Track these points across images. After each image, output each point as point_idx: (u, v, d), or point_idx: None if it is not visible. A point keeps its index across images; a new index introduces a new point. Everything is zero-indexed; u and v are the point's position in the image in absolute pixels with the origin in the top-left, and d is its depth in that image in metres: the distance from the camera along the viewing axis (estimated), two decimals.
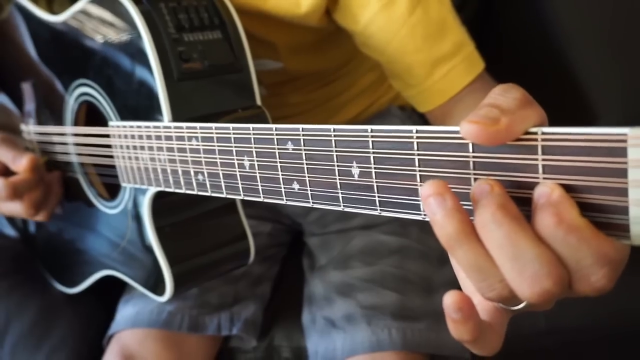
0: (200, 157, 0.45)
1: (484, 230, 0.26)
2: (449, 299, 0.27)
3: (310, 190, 0.37)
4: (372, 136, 0.33)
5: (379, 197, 0.33)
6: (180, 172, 0.48)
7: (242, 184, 0.42)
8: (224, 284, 0.75)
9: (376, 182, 0.33)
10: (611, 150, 0.24)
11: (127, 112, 0.56)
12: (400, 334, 0.66)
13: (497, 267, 0.27)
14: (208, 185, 0.46)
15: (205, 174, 0.46)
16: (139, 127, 0.52)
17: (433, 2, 0.59)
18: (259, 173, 0.40)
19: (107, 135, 0.57)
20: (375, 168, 0.33)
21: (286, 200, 0.39)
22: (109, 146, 0.58)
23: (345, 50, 0.75)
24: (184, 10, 0.53)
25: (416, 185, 0.31)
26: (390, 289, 0.70)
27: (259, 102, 0.56)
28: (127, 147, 0.54)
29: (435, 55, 0.60)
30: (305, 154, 0.36)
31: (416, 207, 0.32)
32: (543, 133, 0.26)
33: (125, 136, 0.54)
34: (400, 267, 0.72)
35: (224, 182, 0.44)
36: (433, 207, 0.27)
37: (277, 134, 0.38)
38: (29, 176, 0.63)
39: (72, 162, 0.67)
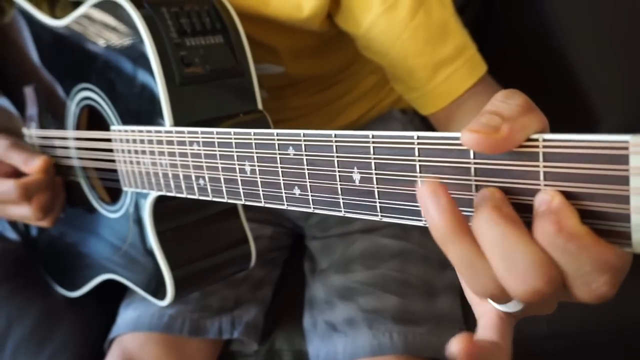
0: (201, 162, 0.45)
1: (480, 230, 0.27)
2: (458, 346, 0.27)
3: (311, 196, 0.37)
4: (373, 142, 0.33)
5: (379, 202, 0.33)
6: (181, 177, 0.48)
7: (243, 189, 0.42)
8: (225, 287, 0.75)
9: (377, 187, 0.33)
10: (613, 158, 0.24)
11: (129, 117, 0.56)
12: (402, 337, 0.66)
13: (489, 264, 0.27)
14: (209, 190, 0.46)
15: (207, 179, 0.46)
16: (140, 131, 0.52)
17: (435, 5, 0.59)
18: (260, 178, 0.40)
19: (109, 140, 0.58)
20: (376, 174, 0.33)
21: (287, 205, 0.39)
22: (110, 150, 0.58)
23: (346, 53, 0.76)
24: (185, 15, 0.53)
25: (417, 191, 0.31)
26: (391, 292, 0.70)
27: (260, 106, 0.56)
28: (129, 151, 0.54)
29: (437, 59, 0.60)
30: (307, 159, 0.36)
31: (417, 213, 0.32)
32: (544, 140, 0.26)
33: (127, 140, 0.54)
34: (402, 271, 0.72)
35: (225, 187, 0.44)
36: (427, 205, 0.28)
37: (278, 139, 0.38)
38: (40, 177, 0.62)
39: (74, 166, 0.68)
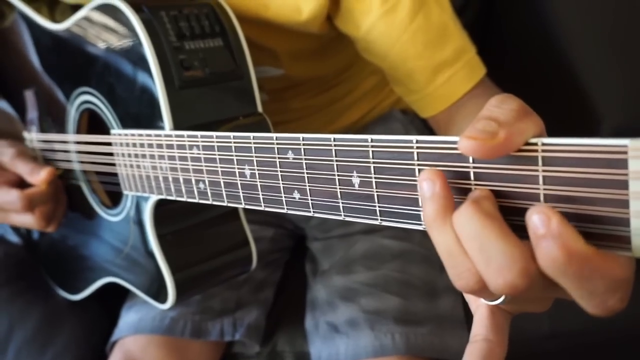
0: (201, 166, 0.45)
1: (458, 223, 0.28)
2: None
3: (311, 200, 0.37)
4: (373, 146, 0.33)
5: (379, 206, 0.33)
6: (181, 181, 0.48)
7: (243, 192, 0.42)
8: (226, 289, 0.75)
9: (376, 191, 0.33)
10: (612, 162, 0.24)
11: (129, 120, 0.56)
12: (404, 338, 0.66)
13: (468, 256, 0.28)
14: (209, 194, 0.46)
15: (207, 183, 0.46)
16: (140, 135, 0.52)
17: (434, 8, 0.59)
18: (260, 182, 0.40)
19: (109, 143, 0.58)
20: (375, 178, 0.33)
21: (287, 209, 0.39)
22: (110, 154, 0.58)
23: (346, 55, 0.75)
24: (185, 19, 0.53)
25: (416, 195, 0.31)
26: (393, 293, 0.70)
27: (260, 109, 0.56)
28: (129, 155, 0.54)
29: (436, 61, 0.60)
30: (306, 163, 0.36)
31: (417, 217, 0.32)
32: (543, 144, 0.26)
33: (127, 144, 0.54)
34: (403, 272, 0.72)
35: (225, 190, 0.44)
36: (424, 189, 0.29)
37: (277, 143, 0.38)
38: (45, 189, 0.63)
39: (75, 169, 0.68)
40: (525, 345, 0.71)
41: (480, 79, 0.61)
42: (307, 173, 0.37)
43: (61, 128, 0.68)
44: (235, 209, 0.60)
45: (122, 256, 0.63)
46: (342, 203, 0.35)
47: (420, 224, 0.32)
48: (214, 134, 0.43)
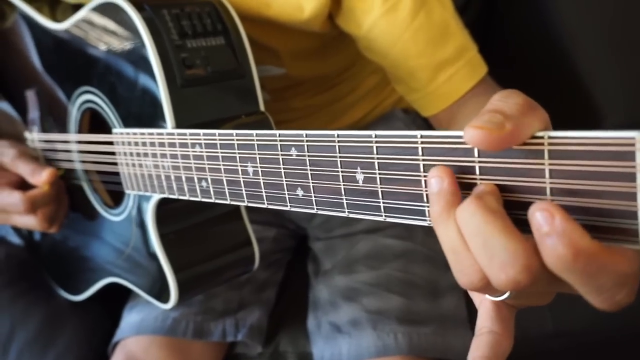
0: (203, 164, 0.45)
1: (460, 219, 0.28)
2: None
3: (315, 197, 0.37)
4: (376, 141, 0.32)
5: (383, 203, 0.33)
6: (184, 179, 0.48)
7: (245, 190, 0.42)
8: (228, 289, 0.75)
9: (381, 187, 0.33)
10: (619, 155, 0.24)
11: (131, 119, 0.56)
12: (406, 338, 0.66)
13: (472, 253, 0.28)
14: (212, 192, 0.46)
15: (209, 181, 0.45)
16: (142, 134, 0.52)
17: (436, 6, 0.59)
18: (263, 179, 0.40)
19: (111, 143, 0.57)
20: (379, 174, 0.33)
21: (290, 206, 0.39)
22: (112, 153, 0.58)
23: (348, 54, 0.75)
24: (186, 17, 0.53)
25: (421, 190, 0.31)
26: (395, 293, 0.70)
27: (262, 107, 0.55)
28: (131, 154, 0.54)
29: (438, 60, 0.59)
30: (309, 160, 0.36)
31: (421, 213, 0.32)
32: (550, 137, 0.26)
33: (129, 143, 0.54)
34: (406, 271, 0.72)
35: (228, 188, 0.44)
36: (432, 186, 0.29)
37: (280, 140, 0.38)
38: (47, 190, 0.63)
39: (76, 169, 0.67)
40: (529, 344, 0.70)
41: (482, 77, 0.61)
42: (310, 170, 0.36)
43: (63, 128, 0.68)
44: (238, 208, 0.60)
45: (124, 256, 0.63)
46: (346, 200, 0.35)
47: (425, 220, 0.32)
48: (217, 131, 0.43)
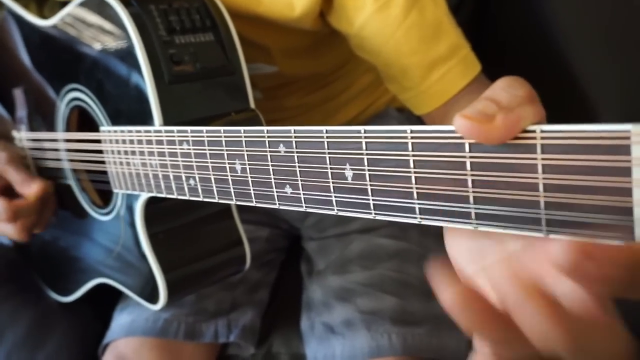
0: (191, 162, 0.44)
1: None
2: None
3: (303, 194, 0.36)
4: (365, 137, 0.32)
5: (373, 200, 0.32)
6: (171, 177, 0.47)
7: (234, 188, 0.41)
8: (220, 290, 0.74)
9: (370, 184, 0.32)
10: (614, 148, 0.23)
11: (118, 117, 0.55)
12: (400, 339, 0.65)
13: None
14: (200, 190, 0.45)
15: (197, 179, 0.45)
16: (129, 131, 0.51)
17: (428, 4, 0.58)
18: (251, 177, 0.39)
19: (99, 141, 0.56)
20: (369, 170, 0.32)
21: (279, 204, 0.38)
22: (100, 152, 0.57)
23: (340, 52, 0.75)
24: (175, 12, 0.52)
25: (411, 187, 0.30)
26: (389, 293, 0.69)
27: (252, 105, 0.55)
28: (119, 152, 0.53)
29: (431, 58, 0.59)
30: (298, 156, 0.35)
31: (411, 210, 0.31)
32: (542, 131, 0.25)
33: (117, 141, 0.53)
34: (400, 271, 0.71)
35: (216, 186, 0.43)
36: (457, 315, 0.26)
37: (268, 137, 0.37)
38: (33, 202, 0.62)
39: (64, 168, 0.66)
40: None
41: (475, 75, 0.61)
42: (299, 167, 0.36)
43: (51, 126, 0.67)
44: (229, 207, 0.59)
45: (113, 256, 0.62)
46: (335, 197, 0.34)
47: (415, 217, 0.31)
48: (204, 128, 0.42)
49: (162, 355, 0.69)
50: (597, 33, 0.81)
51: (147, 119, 0.50)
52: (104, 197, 0.63)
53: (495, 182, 0.27)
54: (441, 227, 0.32)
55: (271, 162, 0.37)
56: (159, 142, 0.47)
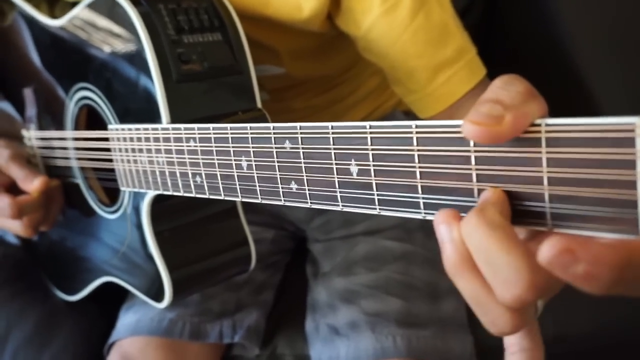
0: (198, 159, 0.45)
1: (464, 233, 0.27)
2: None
3: (309, 190, 0.36)
4: (371, 132, 0.32)
5: (378, 195, 0.32)
6: (178, 175, 0.48)
7: (239, 185, 0.42)
8: (226, 291, 0.74)
9: (375, 180, 0.32)
10: (618, 141, 0.23)
11: (127, 115, 0.55)
12: (405, 341, 0.65)
13: (494, 297, 0.26)
14: (206, 187, 0.45)
15: (203, 176, 0.45)
16: (137, 129, 0.51)
17: (435, 7, 0.58)
18: (257, 173, 0.39)
19: (107, 139, 0.57)
20: (374, 165, 0.32)
21: (284, 200, 0.38)
22: (108, 150, 0.57)
23: (347, 55, 0.75)
24: (183, 12, 0.52)
25: (416, 182, 0.30)
26: (394, 295, 0.69)
27: (259, 104, 0.55)
28: (126, 150, 0.54)
29: (437, 61, 0.59)
30: (303, 152, 0.36)
31: (416, 205, 0.31)
32: (547, 125, 0.25)
33: (124, 139, 0.53)
34: (405, 273, 0.71)
35: (222, 183, 0.43)
36: (443, 235, 0.28)
37: (274, 133, 0.37)
38: (37, 198, 0.62)
39: (72, 167, 0.67)
40: None
41: (481, 79, 0.61)
42: (304, 162, 0.36)
43: (60, 125, 0.67)
44: (234, 207, 0.60)
45: (119, 254, 0.62)
46: (340, 192, 0.34)
47: (419, 212, 0.31)
48: (211, 125, 0.42)
49: (167, 355, 0.69)
50: (606, 37, 0.81)
51: (155, 117, 0.51)
52: (111, 195, 0.63)
53: (500, 176, 0.27)
54: None
55: (277, 158, 0.37)
56: (166, 140, 0.48)
